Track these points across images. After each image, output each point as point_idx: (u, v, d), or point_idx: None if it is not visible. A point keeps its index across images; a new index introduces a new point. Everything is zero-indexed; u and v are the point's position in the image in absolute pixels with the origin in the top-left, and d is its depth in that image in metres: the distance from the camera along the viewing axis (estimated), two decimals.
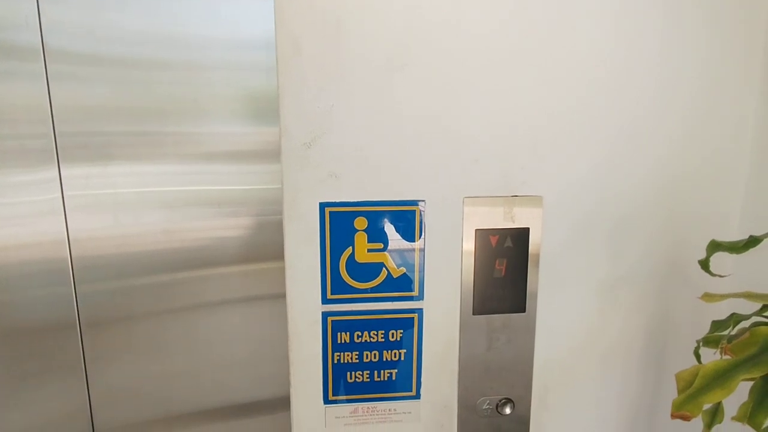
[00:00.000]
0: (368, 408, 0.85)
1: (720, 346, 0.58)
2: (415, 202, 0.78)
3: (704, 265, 0.71)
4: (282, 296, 0.77)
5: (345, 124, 0.74)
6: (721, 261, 0.71)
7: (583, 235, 0.82)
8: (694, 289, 0.85)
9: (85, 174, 0.68)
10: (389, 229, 0.78)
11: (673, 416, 0.53)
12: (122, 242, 0.70)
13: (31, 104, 0.66)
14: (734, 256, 0.70)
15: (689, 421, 0.53)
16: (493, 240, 0.80)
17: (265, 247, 0.74)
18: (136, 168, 0.69)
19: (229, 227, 0.73)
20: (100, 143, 0.68)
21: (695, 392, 0.52)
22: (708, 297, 0.60)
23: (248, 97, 0.70)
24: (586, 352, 0.87)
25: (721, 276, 0.71)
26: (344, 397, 0.84)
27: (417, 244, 0.79)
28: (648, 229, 0.83)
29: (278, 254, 0.76)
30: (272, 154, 0.73)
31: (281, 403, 0.81)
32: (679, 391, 0.57)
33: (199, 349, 0.75)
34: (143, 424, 0.74)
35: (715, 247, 0.69)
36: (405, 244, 0.79)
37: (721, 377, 0.51)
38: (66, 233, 0.68)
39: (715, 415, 0.68)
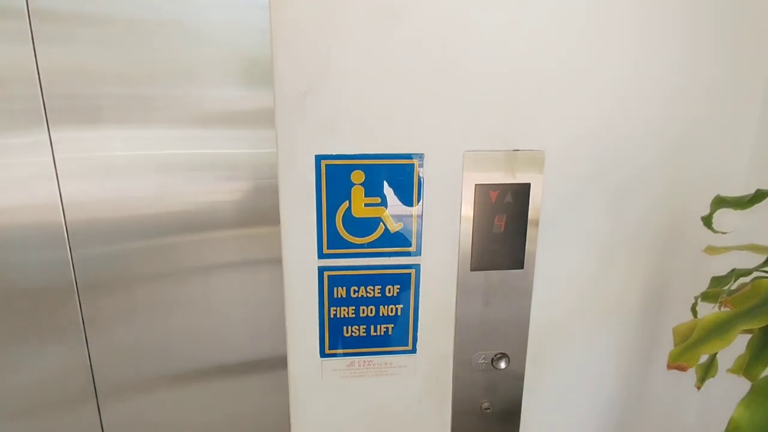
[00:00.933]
0: (365, 362, 0.85)
1: (720, 299, 0.57)
2: (413, 156, 0.76)
3: (707, 221, 0.70)
4: (278, 260, 0.77)
5: (341, 73, 0.71)
6: (724, 219, 0.70)
7: (584, 190, 0.80)
8: (695, 248, 0.85)
9: (76, 138, 0.66)
10: (387, 183, 0.77)
11: (669, 367, 0.53)
12: (116, 206, 0.69)
13: (17, 65, 0.63)
14: (738, 214, 0.69)
15: (685, 371, 0.53)
16: (493, 195, 0.78)
17: (261, 211, 0.73)
18: (128, 131, 0.67)
19: (225, 191, 0.71)
20: (90, 106, 0.66)
21: (693, 343, 0.51)
22: (711, 249, 0.59)
23: (242, 59, 0.67)
24: (583, 310, 0.87)
25: (723, 233, 0.70)
26: (341, 351, 0.84)
27: (415, 200, 0.78)
28: (651, 186, 0.82)
29: (274, 219, 0.74)
30: (267, 118, 0.70)
31: (279, 362, 0.82)
32: (676, 344, 0.56)
33: (196, 311, 0.75)
34: (144, 382, 0.76)
35: (719, 202, 0.68)
36: (403, 200, 0.78)
37: (720, 328, 0.51)
38: (59, 197, 0.67)
39: (708, 368, 0.68)
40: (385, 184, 0.77)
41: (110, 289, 0.71)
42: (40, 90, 0.64)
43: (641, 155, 0.80)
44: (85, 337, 0.71)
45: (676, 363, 0.52)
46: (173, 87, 0.66)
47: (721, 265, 0.72)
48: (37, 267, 0.68)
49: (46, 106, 0.64)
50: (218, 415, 0.81)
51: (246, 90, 0.68)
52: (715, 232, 0.69)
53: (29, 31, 0.62)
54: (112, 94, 0.65)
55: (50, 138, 0.65)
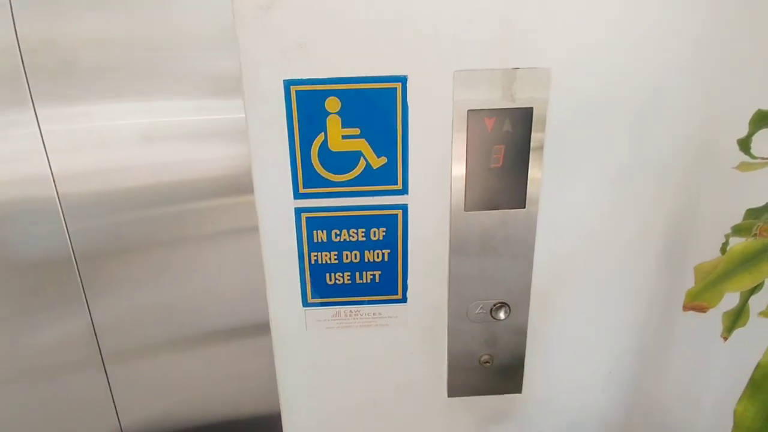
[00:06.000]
0: (351, 311, 0.79)
1: (754, 231, 0.47)
2: (396, 79, 0.66)
3: (744, 145, 0.58)
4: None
5: None
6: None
7: (597, 115, 0.69)
8: (729, 179, 0.73)
9: (61, 113, 0.64)
10: (366, 111, 0.68)
11: (686, 308, 0.44)
12: (106, 178, 0.68)
13: None
14: None
15: (705, 312, 0.44)
16: (489, 123, 0.68)
17: (242, 179, 0.70)
18: (110, 104, 0.65)
19: (206, 161, 0.69)
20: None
21: (717, 278, 0.42)
22: (746, 166, 0.48)
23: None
24: (595, 253, 0.77)
25: (764, 159, 0.59)
26: (324, 300, 0.78)
27: (399, 130, 0.69)
28: (676, 106, 0.69)
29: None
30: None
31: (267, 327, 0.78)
32: (697, 283, 0.47)
33: (190, 279, 0.74)
34: (144, 345, 0.76)
35: (761, 120, 0.56)
36: (385, 129, 0.68)
37: (751, 260, 0.41)
38: (50, 171, 0.66)
39: (738, 316, 0.59)
40: (365, 112, 0.67)
41: (107, 259, 0.71)
42: (21, 62, 0.61)
43: (667, 65, 0.67)
44: (87, 305, 0.72)
45: (694, 303, 0.43)
46: (155, 54, 0.63)
47: (761, 198, 0.61)
48: (36, 240, 0.68)
49: (29, 81, 0.61)
50: (212, 375, 0.80)
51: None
52: (754, 158, 0.58)
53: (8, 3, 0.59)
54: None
55: (36, 114, 0.63)
